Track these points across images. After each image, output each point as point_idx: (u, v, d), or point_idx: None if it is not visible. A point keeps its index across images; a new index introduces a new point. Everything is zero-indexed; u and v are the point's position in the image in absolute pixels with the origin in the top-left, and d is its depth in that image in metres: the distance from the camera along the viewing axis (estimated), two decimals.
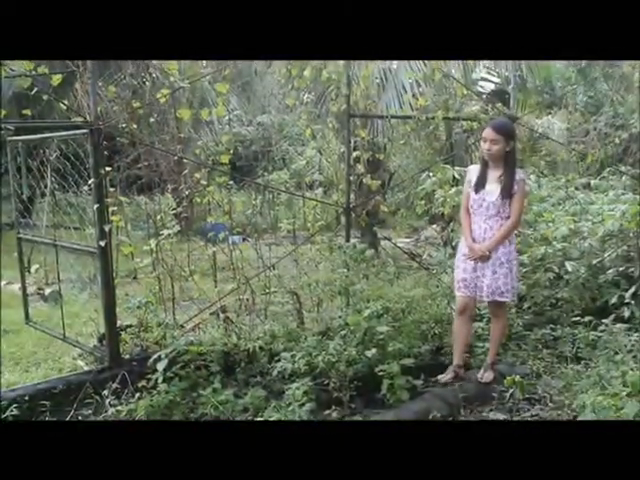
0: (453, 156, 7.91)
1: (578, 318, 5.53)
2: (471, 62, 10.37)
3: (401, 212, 6.53)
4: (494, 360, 4.78)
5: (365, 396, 4.40)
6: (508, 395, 4.35)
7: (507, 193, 4.49)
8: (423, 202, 6.49)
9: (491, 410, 4.37)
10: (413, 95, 8.68)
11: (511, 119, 6.09)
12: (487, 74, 14.65)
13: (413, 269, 7.57)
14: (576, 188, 8.03)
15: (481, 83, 14.80)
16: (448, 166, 6.56)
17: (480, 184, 4.58)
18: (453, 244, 7.48)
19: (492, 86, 15.13)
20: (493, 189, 4.53)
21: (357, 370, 4.42)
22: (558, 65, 15.74)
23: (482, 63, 13.26)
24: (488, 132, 4.49)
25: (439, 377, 4.63)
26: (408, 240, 11.46)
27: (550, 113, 14.06)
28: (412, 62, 8.43)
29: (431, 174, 6.91)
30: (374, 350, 4.33)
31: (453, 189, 6.19)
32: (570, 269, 6.04)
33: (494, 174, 4.56)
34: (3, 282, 8.50)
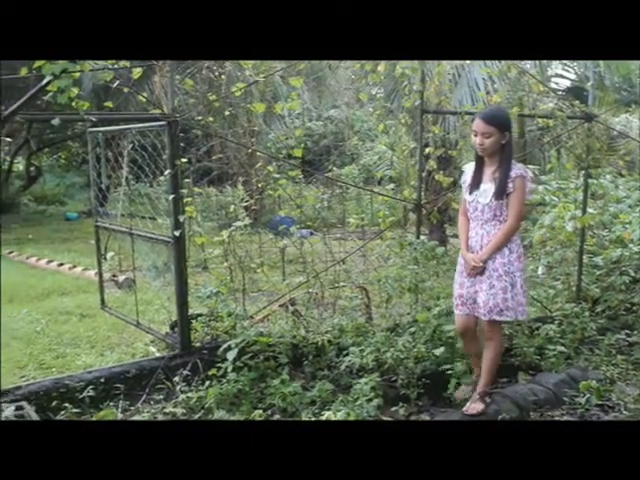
0: (528, 154, 7.76)
1: None
2: None
3: None
4: (484, 391, 4.12)
5: (432, 394, 4.36)
6: (584, 401, 4.23)
7: (500, 193, 3.88)
8: None
9: (562, 415, 4.27)
10: (487, 92, 8.55)
11: (589, 117, 5.93)
12: (563, 70, 14.32)
13: None
14: None
15: (556, 80, 14.47)
16: (521, 164, 6.43)
17: (474, 184, 4.03)
18: (524, 243, 7.37)
19: (567, 83, 14.78)
20: (487, 189, 3.96)
21: (425, 368, 4.39)
22: (638, 62, 15.18)
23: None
24: (478, 124, 3.88)
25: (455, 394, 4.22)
26: None
27: (629, 111, 13.58)
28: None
29: None
30: (442, 348, 4.29)
31: None
32: None
33: (488, 171, 3.99)
34: (80, 268, 8.82)
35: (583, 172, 6.18)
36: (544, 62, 10.32)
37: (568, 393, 4.40)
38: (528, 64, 9.61)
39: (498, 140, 3.86)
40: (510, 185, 3.88)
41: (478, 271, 3.98)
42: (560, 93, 11.37)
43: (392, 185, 7.30)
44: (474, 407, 4.03)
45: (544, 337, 5.15)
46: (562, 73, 14.89)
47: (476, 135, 3.89)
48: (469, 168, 4.14)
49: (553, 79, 14.14)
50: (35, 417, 3.71)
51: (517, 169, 3.91)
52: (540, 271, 7.01)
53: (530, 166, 7.35)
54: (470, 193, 4.05)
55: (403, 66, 5.27)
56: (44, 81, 3.63)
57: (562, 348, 4.99)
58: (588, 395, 4.25)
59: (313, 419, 3.64)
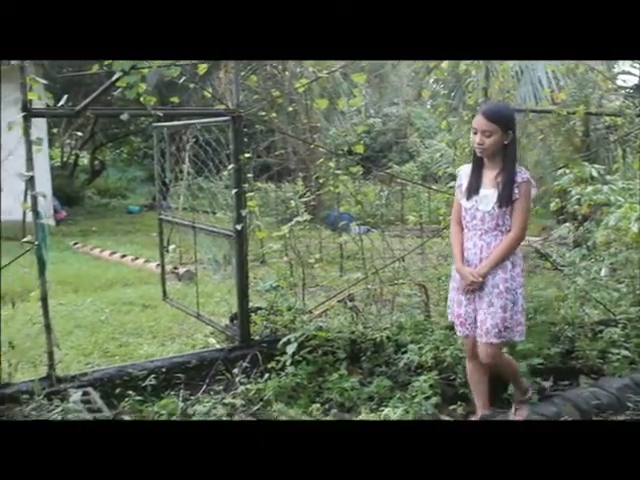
0: (594, 153, 7.58)
1: None
2: None
3: (536, 209, 6.29)
4: (522, 400, 3.95)
5: (491, 394, 4.30)
6: None
7: (506, 200, 3.49)
8: (559, 199, 6.26)
9: (624, 420, 4.17)
10: (551, 91, 8.40)
11: None
12: (630, 67, 13.90)
13: (541, 268, 7.33)
14: None
15: (623, 77, 14.07)
16: (586, 163, 6.29)
17: (472, 189, 3.60)
18: (588, 244, 7.20)
19: (635, 80, 14.34)
20: (488, 195, 3.55)
21: None
22: None
23: None
24: (478, 121, 3.48)
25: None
26: (536, 239, 11.09)
27: None
28: None
29: (567, 170, 6.66)
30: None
31: (590, 187, 5.93)
32: None
33: (490, 175, 3.59)
34: (142, 260, 9.03)
35: None
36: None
37: (632, 399, 4.29)
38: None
39: (500, 140, 3.49)
40: (516, 191, 3.52)
41: (476, 287, 3.58)
42: (627, 91, 11.07)
43: (452, 183, 7.23)
44: (519, 414, 3.90)
45: (607, 340, 5.02)
46: (630, 70, 14.47)
47: (475, 133, 3.52)
48: (465, 171, 3.75)
49: (620, 76, 13.75)
50: (100, 403, 3.83)
51: (522, 173, 3.56)
52: (603, 273, 6.84)
53: (595, 165, 7.16)
54: (468, 199, 3.63)
55: (467, 63, 5.22)
56: (114, 77, 3.74)
57: (626, 352, 4.86)
58: None
59: (371, 415, 3.65)
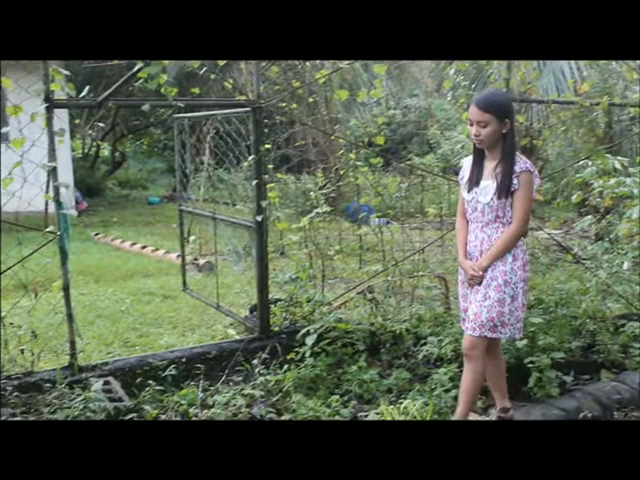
0: (617, 145, 7.48)
1: None
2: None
3: (557, 201, 6.23)
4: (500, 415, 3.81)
5: (511, 387, 4.28)
6: None
7: (504, 191, 3.38)
8: (581, 192, 6.20)
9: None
10: (574, 81, 8.30)
11: None
12: None
13: (563, 261, 7.28)
14: None
15: None
16: (609, 155, 6.22)
17: (473, 181, 3.52)
18: (610, 237, 7.12)
19: None
20: (488, 187, 3.45)
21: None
22: None
23: None
24: (472, 111, 3.36)
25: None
26: (557, 232, 11.01)
27: None
28: None
29: (589, 162, 6.59)
30: (524, 341, 4.21)
31: (613, 179, 5.86)
32: None
33: (490, 166, 3.48)
34: (162, 251, 9.08)
35: None
36: None
37: None
38: None
39: (497, 129, 3.35)
40: (515, 181, 3.39)
41: (478, 281, 3.49)
42: None
43: None
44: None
45: (629, 335, 4.97)
46: None
47: (471, 124, 3.40)
48: (467, 163, 3.65)
49: None
50: (121, 392, 3.87)
51: (522, 163, 3.41)
52: (626, 266, 6.76)
53: (619, 157, 7.09)
54: (469, 191, 3.56)
55: None
56: (135, 68, 3.75)
57: None
58: None
59: (390, 407, 3.64)
